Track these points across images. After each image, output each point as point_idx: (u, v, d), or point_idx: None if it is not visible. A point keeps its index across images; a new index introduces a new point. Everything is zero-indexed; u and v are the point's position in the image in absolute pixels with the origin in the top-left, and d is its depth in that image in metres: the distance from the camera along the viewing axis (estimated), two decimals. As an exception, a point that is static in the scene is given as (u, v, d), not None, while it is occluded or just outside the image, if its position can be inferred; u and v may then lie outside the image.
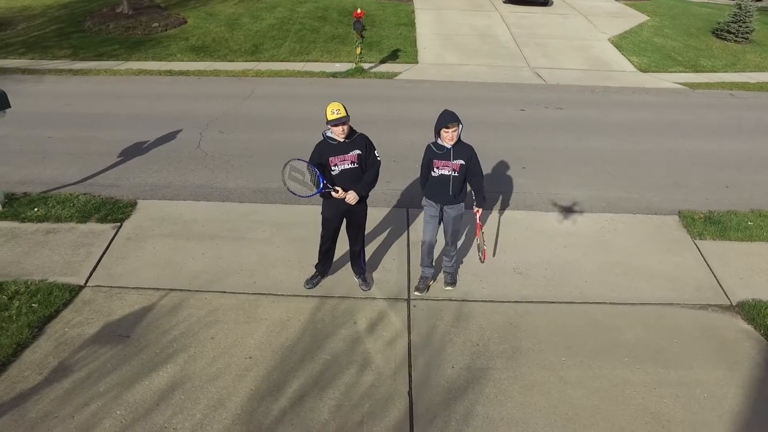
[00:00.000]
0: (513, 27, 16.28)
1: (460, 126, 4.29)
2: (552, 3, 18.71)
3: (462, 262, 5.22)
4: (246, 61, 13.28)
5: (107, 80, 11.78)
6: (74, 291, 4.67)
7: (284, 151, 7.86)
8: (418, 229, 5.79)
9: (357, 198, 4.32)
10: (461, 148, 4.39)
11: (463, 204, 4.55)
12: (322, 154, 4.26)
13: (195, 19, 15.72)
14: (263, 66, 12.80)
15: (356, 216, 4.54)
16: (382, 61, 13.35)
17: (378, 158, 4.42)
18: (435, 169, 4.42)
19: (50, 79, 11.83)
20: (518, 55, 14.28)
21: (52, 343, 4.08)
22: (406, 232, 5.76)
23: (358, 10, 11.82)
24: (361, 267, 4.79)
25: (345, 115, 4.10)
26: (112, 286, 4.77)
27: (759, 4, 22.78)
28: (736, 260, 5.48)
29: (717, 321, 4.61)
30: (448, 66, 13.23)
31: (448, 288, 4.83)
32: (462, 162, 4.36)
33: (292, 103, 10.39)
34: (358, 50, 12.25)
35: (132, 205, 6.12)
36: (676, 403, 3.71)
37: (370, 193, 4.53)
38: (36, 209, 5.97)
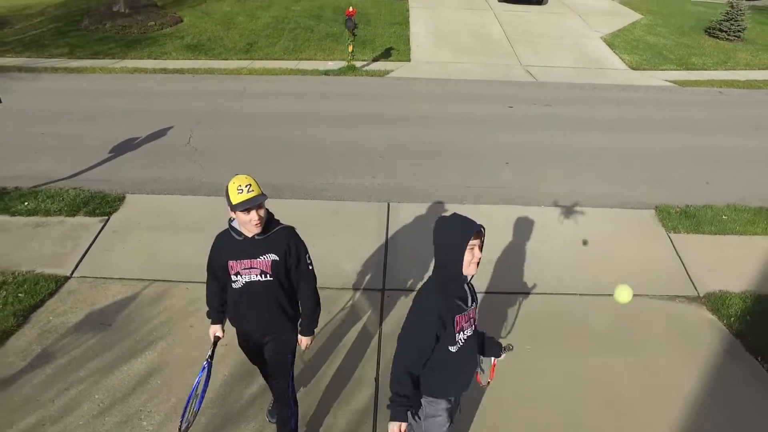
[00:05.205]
0: (506, 25, 16.37)
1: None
2: (546, 1, 18.79)
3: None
4: (240, 59, 13.40)
5: (102, 78, 11.91)
6: (60, 281, 4.82)
7: (269, 147, 8.10)
8: (400, 223, 5.91)
9: (310, 340, 3.10)
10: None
11: None
12: (220, 255, 2.86)
13: (191, 18, 15.85)
14: (257, 64, 12.92)
15: (275, 348, 3.01)
16: (375, 59, 13.46)
17: (311, 267, 2.96)
18: (457, 335, 2.43)
19: (46, 77, 11.96)
20: (510, 53, 14.38)
21: (36, 330, 4.24)
22: (385, 226, 5.89)
23: (350, 8, 11.93)
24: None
25: (259, 193, 2.66)
26: (96, 277, 4.92)
27: (753, 2, 22.83)
28: (708, 252, 5.61)
29: (683, 311, 4.75)
30: (440, 64, 13.34)
31: None
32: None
33: (282, 100, 10.53)
34: (350, 48, 12.38)
35: (120, 199, 6.27)
36: (635, 386, 3.86)
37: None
38: (26, 203, 6.12)
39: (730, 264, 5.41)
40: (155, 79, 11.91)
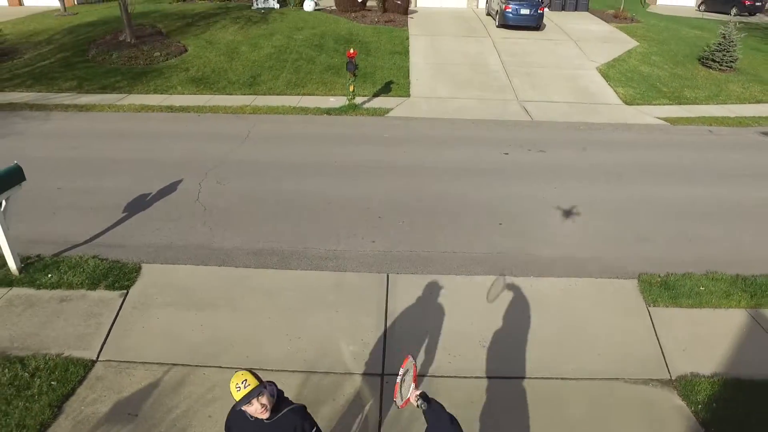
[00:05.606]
0: (504, 54, 16.75)
1: None
2: (544, 27, 19.14)
3: (438, 341, 5.78)
4: (244, 94, 13.82)
5: (110, 117, 12.35)
6: (88, 366, 5.28)
7: (274, 203, 8.54)
8: (398, 298, 6.36)
9: None
10: None
11: None
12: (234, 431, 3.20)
13: (195, 48, 16.23)
14: (260, 101, 13.33)
15: None
16: (375, 95, 13.87)
17: None
18: None
19: (57, 115, 12.40)
20: (508, 86, 14.78)
21: (70, 422, 4.69)
22: (384, 301, 6.34)
23: (351, 50, 12.32)
24: None
25: (257, 384, 2.95)
26: (120, 361, 5.37)
27: (748, 19, 23.14)
28: (683, 328, 6.05)
29: (655, 396, 5.20)
30: (438, 100, 13.75)
31: None
32: None
33: (287, 145, 10.96)
34: (351, 88, 12.77)
35: (137, 270, 6.71)
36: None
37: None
38: (50, 275, 6.57)
39: (702, 343, 5.86)
40: (161, 118, 12.35)
